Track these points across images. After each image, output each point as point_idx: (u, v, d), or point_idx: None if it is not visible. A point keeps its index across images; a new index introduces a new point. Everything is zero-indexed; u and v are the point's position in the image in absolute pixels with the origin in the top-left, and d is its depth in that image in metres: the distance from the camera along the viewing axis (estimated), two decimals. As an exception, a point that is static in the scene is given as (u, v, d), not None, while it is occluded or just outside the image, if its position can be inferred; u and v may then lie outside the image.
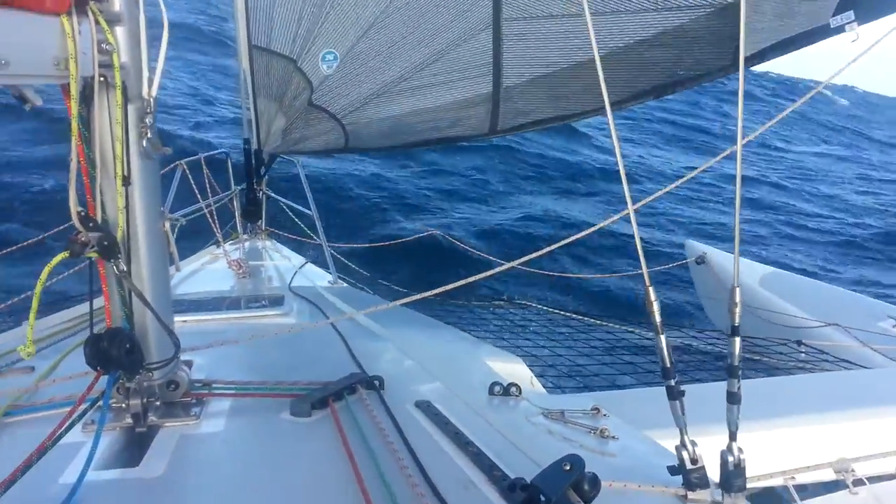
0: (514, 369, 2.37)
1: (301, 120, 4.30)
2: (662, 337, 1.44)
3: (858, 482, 2.05)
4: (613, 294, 7.30)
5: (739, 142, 1.51)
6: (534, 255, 1.91)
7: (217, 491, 1.37)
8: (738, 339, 1.44)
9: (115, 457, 1.47)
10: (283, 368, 2.02)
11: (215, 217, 4.20)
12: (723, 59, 3.30)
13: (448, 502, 1.29)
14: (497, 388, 1.98)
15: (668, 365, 1.44)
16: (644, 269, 1.45)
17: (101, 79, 1.40)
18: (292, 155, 4.59)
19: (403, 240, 6.69)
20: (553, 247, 2.02)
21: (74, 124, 1.33)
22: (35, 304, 1.34)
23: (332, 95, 4.07)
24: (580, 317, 4.07)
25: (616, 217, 1.87)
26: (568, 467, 1.25)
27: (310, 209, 4.65)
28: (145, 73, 1.48)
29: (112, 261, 1.45)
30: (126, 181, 1.48)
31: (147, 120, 1.48)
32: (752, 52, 3.19)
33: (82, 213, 1.39)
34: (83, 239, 1.38)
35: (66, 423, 1.40)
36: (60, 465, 1.40)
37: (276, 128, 4.43)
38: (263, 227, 5.00)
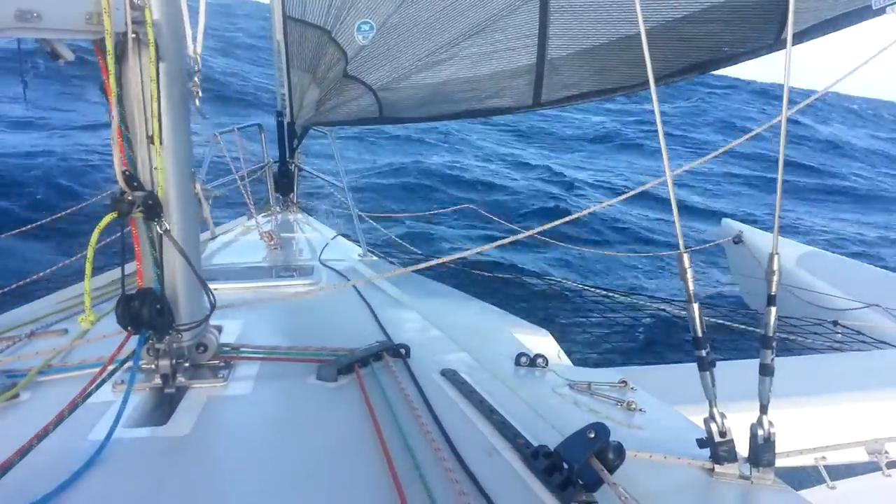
0: (540, 342, 2.35)
1: (335, 91, 4.29)
2: (695, 305, 1.41)
3: (892, 464, 2.00)
4: (647, 272, 7.19)
5: (784, 114, 1.46)
6: (559, 221, 1.89)
7: (242, 450, 1.39)
8: (773, 309, 1.40)
9: (143, 416, 1.50)
10: (311, 335, 2.03)
11: (248, 189, 4.23)
12: (767, 38, 3.22)
13: (471, 469, 1.29)
14: (524, 359, 1.97)
15: (700, 335, 1.41)
16: (679, 234, 1.41)
17: (134, 35, 1.40)
18: (325, 127, 4.59)
19: (438, 211, 6.66)
20: (576, 215, 2.00)
21: (112, 81, 1.34)
22: (88, 267, 1.36)
23: (368, 66, 4.05)
24: (610, 292, 4.02)
25: (655, 182, 1.83)
26: (592, 435, 1.23)
27: (341, 181, 4.66)
28: (187, 30, 1.47)
29: (156, 220, 1.46)
30: (152, 140, 1.48)
31: (196, 78, 1.48)
32: (797, 31, 3.11)
33: (127, 174, 1.40)
34: (129, 198, 1.40)
35: (97, 381, 1.42)
36: (90, 423, 1.43)
37: (309, 99, 4.43)
38: (295, 200, 5.02)
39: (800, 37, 3.16)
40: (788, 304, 4.09)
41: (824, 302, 3.95)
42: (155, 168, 1.50)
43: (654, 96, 1.55)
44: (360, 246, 4.23)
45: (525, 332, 2.44)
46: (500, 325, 2.54)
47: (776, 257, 1.41)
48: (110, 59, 1.32)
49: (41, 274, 2.96)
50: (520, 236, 1.96)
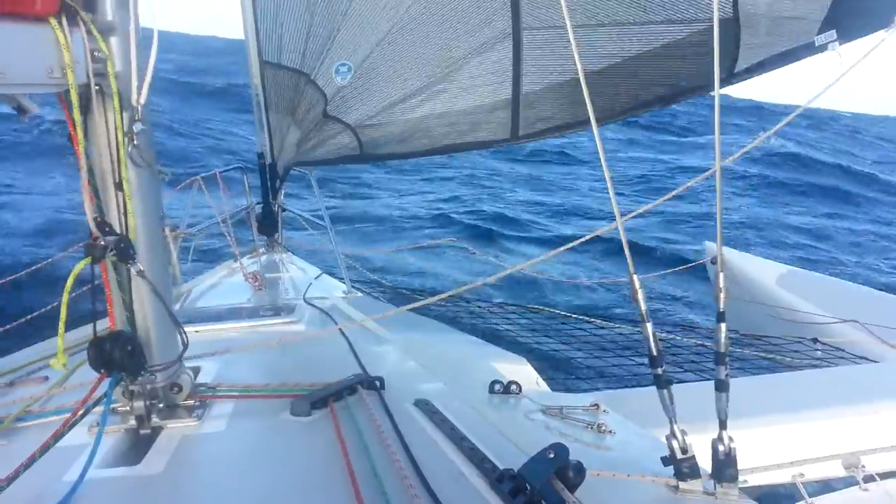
0: (518, 370, 2.38)
1: (315, 131, 4.37)
2: (648, 325, 1.45)
3: (869, 478, 2.01)
4: (624, 297, 7.22)
5: (718, 162, 1.51)
6: (536, 259, 1.93)
7: (214, 487, 1.40)
8: (723, 326, 1.44)
9: (117, 457, 1.52)
10: (290, 373, 2.05)
11: (231, 232, 4.27)
12: (720, 73, 3.33)
13: (437, 494, 1.31)
14: (497, 387, 1.99)
15: (655, 353, 1.44)
16: (629, 257, 1.46)
17: (97, 87, 1.45)
18: (306, 167, 4.65)
19: (421, 245, 6.70)
20: (555, 252, 2.04)
21: (79, 132, 1.38)
22: (63, 312, 1.38)
23: (347, 105, 4.14)
24: (590, 319, 4.05)
25: (607, 228, 1.88)
26: (552, 455, 1.26)
27: (323, 221, 4.71)
28: (134, 81, 1.52)
29: (129, 262, 1.50)
30: (118, 187, 1.52)
31: (135, 127, 1.52)
32: (744, 67, 3.23)
33: (98, 220, 1.44)
34: (102, 243, 1.43)
35: (69, 423, 1.44)
36: (66, 465, 1.44)
37: (290, 140, 4.51)
38: (280, 241, 5.06)
39: (748, 72, 3.28)
40: (769, 323, 4.13)
41: (804, 319, 3.99)
42: (124, 213, 1.54)
43: (595, 132, 1.60)
44: (344, 283, 4.26)
45: (502, 360, 2.47)
46: (478, 355, 2.57)
47: (721, 275, 1.45)
48: (76, 112, 1.36)
49: (17, 322, 2.98)
50: (508, 271, 2.00)
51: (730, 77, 3.22)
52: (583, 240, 1.98)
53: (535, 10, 3.66)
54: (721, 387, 1.43)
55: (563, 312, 4.22)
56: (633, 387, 2.94)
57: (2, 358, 2.61)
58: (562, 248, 2.00)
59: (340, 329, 2.74)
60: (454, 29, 3.88)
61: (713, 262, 5.27)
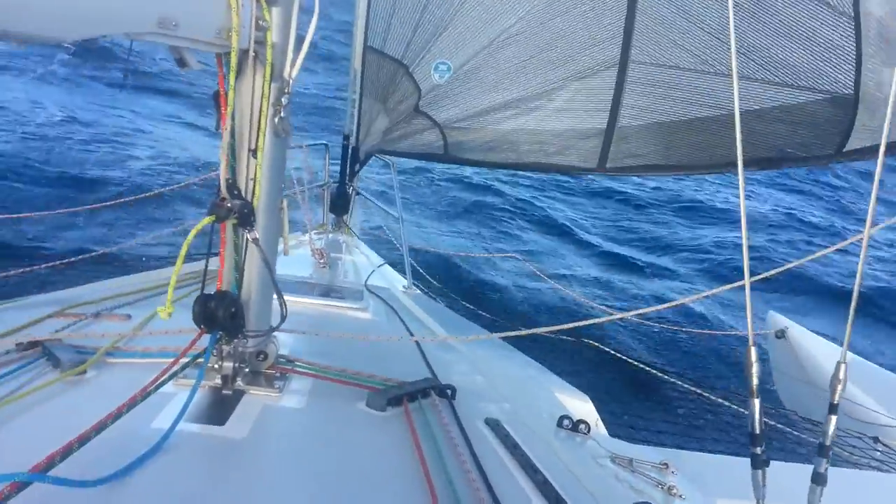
0: (581, 406, 2.35)
1: (404, 123, 4.40)
2: (756, 401, 1.40)
3: None
4: (699, 353, 6.99)
5: (867, 230, 1.45)
6: (645, 310, 1.89)
7: (294, 463, 1.41)
8: (833, 418, 1.39)
9: (202, 412, 1.53)
10: (358, 359, 2.06)
11: (308, 205, 4.32)
12: (828, 148, 3.24)
13: None
14: (566, 422, 1.96)
15: (758, 432, 1.40)
16: (750, 329, 1.41)
17: (253, 54, 1.48)
18: (388, 156, 4.68)
19: (484, 255, 6.67)
20: (665, 306, 2.01)
21: (231, 94, 1.41)
22: (179, 263, 1.41)
23: (440, 104, 4.15)
24: (653, 370, 3.98)
25: (734, 285, 1.83)
26: (643, 515, 1.23)
27: (396, 212, 4.73)
28: (290, 54, 1.54)
29: (247, 228, 1.52)
30: (253, 154, 1.55)
31: (283, 99, 1.55)
32: (855, 147, 3.13)
33: (230, 182, 1.46)
34: (228, 205, 1.45)
35: (168, 373, 1.46)
36: (150, 411, 1.46)
37: (377, 128, 4.54)
38: (348, 223, 5.10)
39: (859, 153, 3.18)
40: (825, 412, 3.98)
41: (865, 416, 3.85)
42: (250, 180, 1.57)
43: (741, 181, 1.55)
44: (405, 277, 4.27)
45: (565, 393, 2.44)
46: (542, 382, 2.54)
47: (843, 366, 1.39)
48: (232, 75, 1.39)
49: (110, 249, 3.06)
50: (606, 319, 1.96)
51: (838, 153, 3.12)
52: (700, 295, 1.94)
53: (647, 45, 3.61)
54: (818, 480, 1.37)
55: (623, 356, 4.15)
56: (688, 448, 2.88)
57: (86, 286, 2.69)
58: (674, 303, 1.97)
59: (406, 326, 2.75)
60: (561, 49, 3.85)
61: (778, 335, 5.17)
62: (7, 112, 9.21)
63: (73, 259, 3.10)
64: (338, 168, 4.79)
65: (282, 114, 1.54)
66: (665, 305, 1.99)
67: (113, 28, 1.08)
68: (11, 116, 9.09)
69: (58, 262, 3.19)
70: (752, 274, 1.44)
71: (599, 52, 3.76)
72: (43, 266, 3.06)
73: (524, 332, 2.00)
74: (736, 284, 1.61)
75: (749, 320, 1.43)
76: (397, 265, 4.64)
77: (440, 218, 9.84)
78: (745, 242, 1.43)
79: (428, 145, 4.41)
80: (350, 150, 4.66)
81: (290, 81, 1.56)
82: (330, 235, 4.87)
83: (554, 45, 3.87)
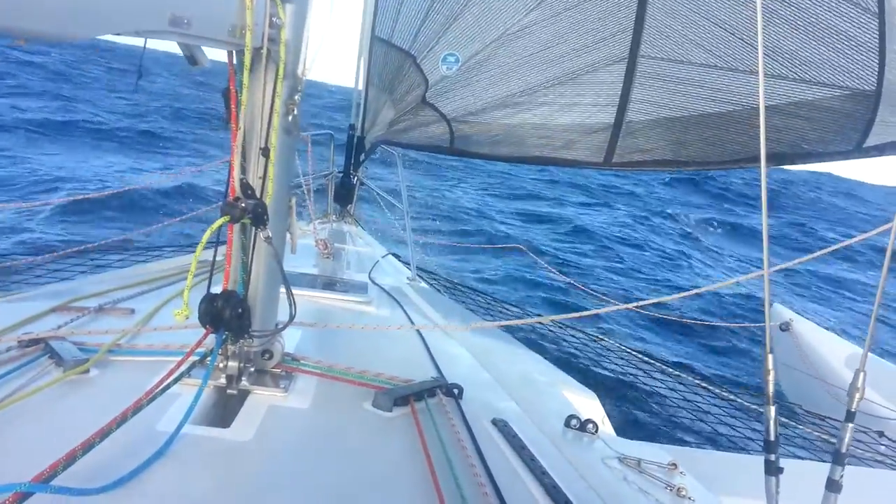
0: (588, 404, 2.34)
1: (410, 114, 4.37)
2: (772, 408, 1.39)
3: None
4: (706, 347, 6.95)
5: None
6: (649, 301, 1.88)
7: (301, 466, 1.40)
8: (850, 426, 1.38)
9: (206, 413, 1.52)
10: (364, 356, 2.05)
11: (311, 194, 4.30)
12: (847, 144, 3.21)
13: None
14: (574, 422, 1.95)
15: (773, 438, 1.39)
16: (767, 336, 1.40)
17: (266, 52, 1.46)
18: (393, 146, 4.66)
19: (487, 246, 6.66)
20: (674, 296, 1.98)
21: (245, 94, 1.39)
22: (194, 264, 1.40)
23: (447, 96, 4.12)
24: (659, 363, 3.97)
25: (751, 275, 1.80)
26: (655, 522, 1.22)
27: (401, 202, 4.71)
28: (304, 53, 1.53)
29: (261, 228, 1.50)
30: (264, 152, 1.53)
31: (296, 97, 1.53)
32: (874, 144, 3.09)
33: (244, 181, 1.44)
34: (243, 205, 1.44)
35: (174, 374, 1.45)
36: (155, 412, 1.46)
37: (383, 118, 4.52)
38: (352, 213, 5.09)
39: (879, 150, 3.14)
40: (832, 404, 3.99)
41: (871, 409, 3.84)
42: (259, 178, 1.55)
43: (763, 177, 1.52)
44: (409, 269, 4.26)
45: (572, 390, 2.43)
46: (549, 380, 2.53)
47: (862, 374, 1.38)
48: (246, 73, 1.37)
49: (106, 241, 3.05)
50: (608, 309, 1.94)
51: (857, 150, 3.09)
52: (716, 286, 1.92)
53: (657, 39, 3.57)
54: (833, 487, 1.36)
55: (630, 349, 4.14)
56: (692, 444, 2.87)
57: (88, 277, 2.68)
58: (683, 294, 1.95)
59: (410, 320, 2.74)
60: (570, 43, 3.82)
61: (782, 328, 5.15)
62: None
63: (69, 250, 3.09)
64: (342, 158, 4.77)
65: (295, 112, 1.53)
66: (679, 295, 1.97)
67: (124, 26, 1.06)
68: None
69: (56, 253, 3.18)
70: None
71: (609, 47, 3.73)
72: (41, 258, 3.06)
73: (529, 320, 1.98)
74: (754, 275, 1.59)
75: (767, 330, 1.41)
76: (402, 255, 4.64)
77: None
78: (765, 239, 1.41)
79: (434, 137, 4.39)
80: (355, 140, 4.64)
81: (303, 80, 1.55)
82: (334, 225, 4.86)
83: (564, 38, 3.84)
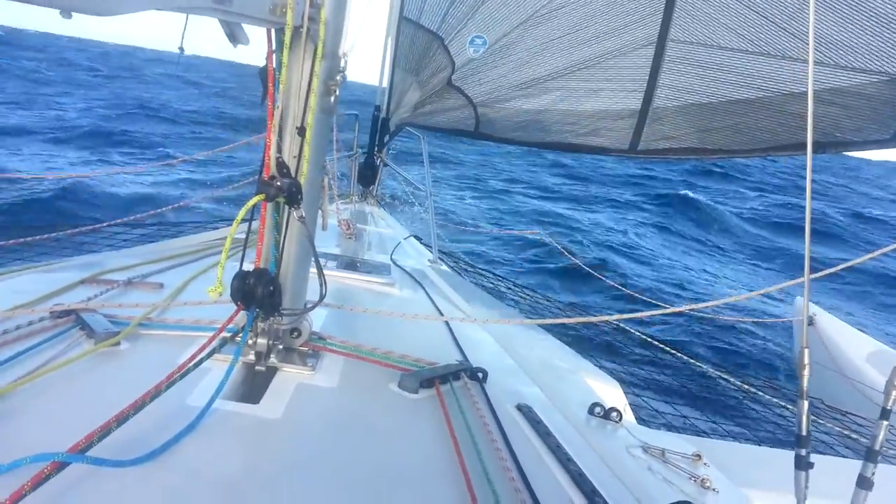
0: (610, 392, 2.33)
1: (436, 97, 4.35)
2: (805, 403, 1.38)
3: None
4: (730, 342, 6.87)
5: None
6: (699, 305, 1.86)
7: (329, 445, 1.41)
8: (885, 423, 1.36)
9: (236, 389, 1.54)
10: (387, 336, 2.06)
11: (335, 174, 4.31)
12: (884, 133, 3.14)
13: None
14: (598, 410, 1.95)
15: (804, 433, 1.37)
16: (805, 331, 1.38)
17: (306, 31, 1.45)
18: (419, 129, 4.65)
19: (509, 231, 6.65)
20: (719, 301, 1.96)
21: (284, 72, 1.39)
22: (228, 241, 1.40)
23: (473, 79, 4.09)
24: (681, 354, 3.95)
25: (793, 282, 1.78)
26: (683, 513, 1.22)
27: (425, 185, 4.71)
28: (345, 32, 1.52)
29: (295, 207, 1.51)
30: (300, 132, 1.53)
31: (338, 77, 1.53)
32: None
33: (280, 160, 1.44)
34: (278, 184, 1.44)
35: (206, 350, 1.47)
36: (186, 388, 1.47)
37: (408, 100, 4.50)
38: (375, 194, 5.10)
39: None
40: (854, 400, 3.95)
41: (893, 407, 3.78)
42: (294, 157, 1.55)
43: (808, 167, 1.50)
44: (430, 251, 4.26)
45: (595, 378, 2.42)
46: (572, 367, 2.53)
47: None
48: (286, 52, 1.37)
49: (139, 216, 3.08)
50: (656, 312, 1.92)
51: (894, 139, 3.02)
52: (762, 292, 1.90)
53: (689, 22, 3.50)
54: (864, 484, 1.35)
55: (651, 339, 4.11)
56: (715, 437, 2.86)
57: (118, 251, 2.71)
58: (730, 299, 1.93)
59: (434, 304, 2.74)
60: (598, 27, 3.77)
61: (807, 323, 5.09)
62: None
63: (98, 225, 3.12)
64: (367, 139, 4.77)
65: (337, 92, 1.52)
66: (714, 302, 1.95)
67: (169, 2, 1.06)
68: None
69: (84, 228, 3.21)
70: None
71: (638, 30, 3.66)
72: (69, 231, 3.09)
73: (558, 320, 1.98)
74: (795, 282, 1.57)
75: (804, 325, 1.39)
76: (423, 238, 4.64)
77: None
78: (807, 236, 1.39)
79: (459, 121, 4.37)
80: (380, 122, 4.63)
81: (345, 60, 1.54)
82: (356, 206, 4.87)
83: (592, 20, 3.78)
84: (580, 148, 4.10)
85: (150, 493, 1.12)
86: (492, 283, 5.02)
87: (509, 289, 4.90)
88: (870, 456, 1.36)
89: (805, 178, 1.41)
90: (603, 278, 5.33)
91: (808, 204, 1.38)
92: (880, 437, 1.36)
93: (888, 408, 1.36)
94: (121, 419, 1.18)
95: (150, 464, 1.19)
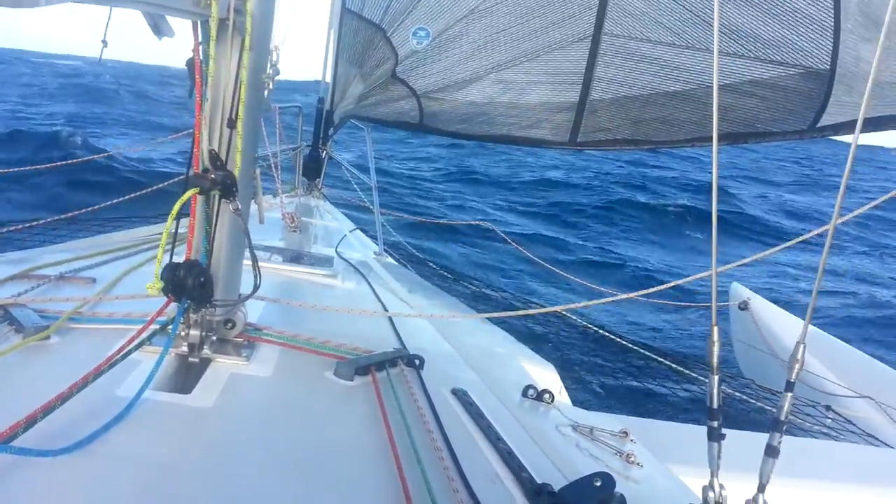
0: (545, 375, 2.40)
1: (379, 89, 4.35)
2: (716, 378, 1.45)
3: None
4: (654, 323, 7.09)
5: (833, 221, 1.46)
6: (628, 294, 1.94)
7: (261, 432, 1.43)
8: (789, 395, 1.44)
9: (167, 380, 1.54)
10: (327, 327, 2.08)
11: (279, 168, 4.28)
12: (801, 123, 3.28)
13: (476, 493, 1.33)
14: (531, 392, 2.01)
15: (716, 406, 1.45)
16: (714, 311, 1.46)
17: (232, 23, 1.46)
18: (363, 121, 4.65)
19: (453, 222, 6.71)
20: (653, 290, 2.04)
21: (212, 65, 1.39)
22: (164, 237, 1.40)
23: (417, 71, 4.11)
24: (615, 337, 4.07)
25: (702, 275, 1.86)
26: (598, 483, 1.28)
27: (369, 178, 4.72)
28: (276, 23, 1.53)
29: (230, 199, 1.51)
30: (230, 124, 1.54)
31: (270, 70, 1.54)
32: (829, 123, 3.17)
33: (213, 153, 1.45)
34: (213, 177, 1.45)
35: (135, 341, 1.47)
36: (115, 378, 1.47)
37: (352, 92, 4.49)
38: (320, 187, 5.08)
39: (834, 129, 3.22)
40: (782, 381, 4.11)
41: (819, 385, 3.99)
42: (226, 150, 1.56)
43: (714, 158, 1.57)
44: (376, 243, 4.28)
45: (531, 363, 2.49)
46: (508, 352, 2.59)
47: (802, 346, 1.44)
48: (212, 44, 1.37)
49: (69, 214, 3.02)
50: (601, 301, 1.98)
51: (811, 129, 3.17)
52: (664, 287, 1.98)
53: (621, 16, 3.59)
54: (771, 452, 1.43)
55: (588, 325, 4.23)
56: (647, 415, 2.96)
57: (50, 247, 2.66)
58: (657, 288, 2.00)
59: (376, 294, 2.77)
60: (538, 21, 3.83)
61: (741, 307, 5.30)
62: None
63: (33, 222, 3.05)
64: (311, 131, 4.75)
65: (270, 86, 1.54)
66: (636, 293, 2.03)
67: None
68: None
69: (20, 226, 3.14)
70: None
71: (575, 23, 3.73)
72: (2, 230, 3.02)
73: (496, 314, 2.03)
74: (704, 274, 1.65)
75: (714, 302, 1.47)
76: (369, 231, 4.65)
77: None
78: (714, 229, 1.46)
79: (403, 113, 4.38)
80: (324, 114, 4.61)
81: (277, 53, 1.55)
82: (301, 199, 4.84)
83: (532, 14, 3.84)
84: (522, 141, 4.17)
85: (78, 482, 1.13)
86: (437, 273, 5.07)
87: (454, 279, 4.96)
88: (776, 426, 1.44)
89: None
90: (546, 265, 5.43)
91: (714, 195, 1.46)
92: (785, 408, 1.44)
93: (791, 380, 1.44)
94: (47, 410, 1.18)
95: (78, 453, 1.19)
